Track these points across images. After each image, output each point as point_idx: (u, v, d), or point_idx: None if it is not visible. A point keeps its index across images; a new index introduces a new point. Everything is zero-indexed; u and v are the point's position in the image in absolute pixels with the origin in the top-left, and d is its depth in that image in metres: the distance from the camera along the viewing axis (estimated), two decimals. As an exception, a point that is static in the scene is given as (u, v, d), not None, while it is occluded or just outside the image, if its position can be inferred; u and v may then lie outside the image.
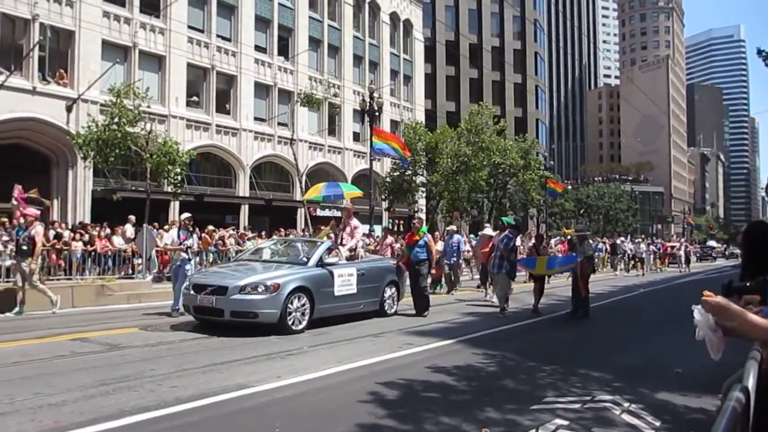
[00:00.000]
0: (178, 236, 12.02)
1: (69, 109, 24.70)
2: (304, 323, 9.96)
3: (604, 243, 33.96)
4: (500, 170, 39.76)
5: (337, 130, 39.21)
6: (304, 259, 11.01)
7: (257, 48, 34.12)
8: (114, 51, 26.87)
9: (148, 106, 22.40)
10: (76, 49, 25.62)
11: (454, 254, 17.60)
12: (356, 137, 40.30)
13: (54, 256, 16.16)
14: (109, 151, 20.33)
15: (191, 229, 12.45)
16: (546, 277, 14.54)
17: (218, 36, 32.07)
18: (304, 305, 9.97)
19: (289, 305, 9.70)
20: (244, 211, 32.72)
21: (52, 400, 5.63)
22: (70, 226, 20.61)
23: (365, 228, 13.34)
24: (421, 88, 48.79)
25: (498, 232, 14.54)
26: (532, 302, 13.42)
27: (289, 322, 9.71)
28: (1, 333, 9.51)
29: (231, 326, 9.64)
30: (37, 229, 12.19)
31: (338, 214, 37.63)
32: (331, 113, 37.67)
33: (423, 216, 39.58)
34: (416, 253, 12.37)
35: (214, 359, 7.60)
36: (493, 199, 42.96)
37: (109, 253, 17.04)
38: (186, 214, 12.68)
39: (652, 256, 35.28)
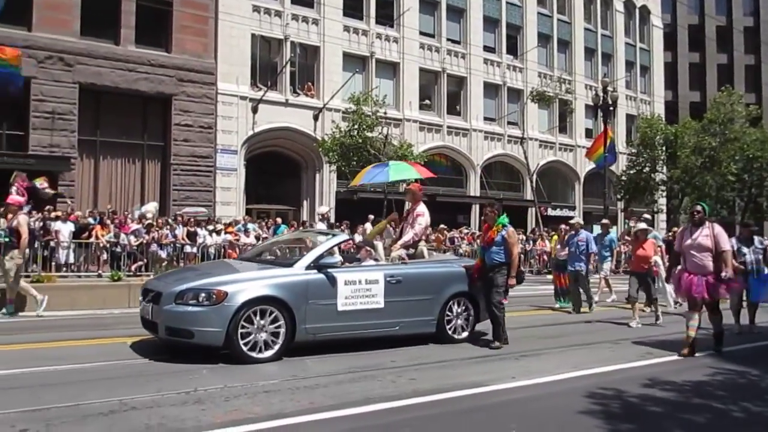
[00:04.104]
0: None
1: (316, 118, 27.12)
2: (274, 349, 7.21)
3: None
4: (756, 165, 35.56)
5: (568, 127, 38.08)
6: (294, 259, 8.23)
7: (486, 48, 34.38)
8: (353, 62, 28.92)
9: (385, 112, 23.78)
10: (321, 63, 28.03)
11: (582, 257, 12.77)
12: (588, 134, 38.72)
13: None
14: (351, 155, 22.13)
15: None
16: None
17: (448, 39, 32.90)
18: (276, 324, 7.24)
19: (245, 323, 7.04)
20: (475, 210, 33.14)
21: (307, 383, 6.26)
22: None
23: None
24: (660, 79, 45.46)
25: (685, 226, 9.32)
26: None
27: (245, 347, 7.02)
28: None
29: (170, 346, 7.43)
30: (20, 220, 10.86)
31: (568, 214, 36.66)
32: (563, 110, 36.64)
33: (664, 216, 36.85)
34: (491, 254, 8.72)
35: (444, 356, 7.81)
36: (746, 197, 38.56)
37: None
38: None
39: None
